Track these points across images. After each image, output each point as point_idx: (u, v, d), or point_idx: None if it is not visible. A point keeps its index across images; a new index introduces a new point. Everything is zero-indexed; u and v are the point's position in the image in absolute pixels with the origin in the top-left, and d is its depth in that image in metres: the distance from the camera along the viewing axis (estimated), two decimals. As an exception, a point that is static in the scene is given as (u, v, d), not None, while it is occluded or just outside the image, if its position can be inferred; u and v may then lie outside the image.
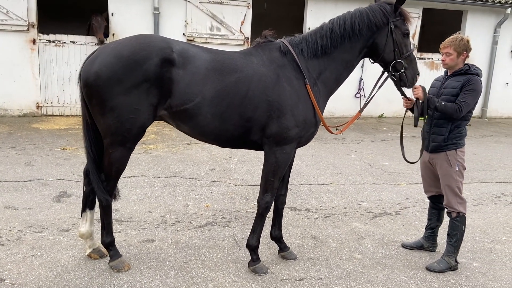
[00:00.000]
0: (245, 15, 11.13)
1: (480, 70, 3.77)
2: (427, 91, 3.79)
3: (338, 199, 5.52)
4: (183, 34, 10.76)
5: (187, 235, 4.19)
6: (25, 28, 9.67)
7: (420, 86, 3.67)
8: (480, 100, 14.28)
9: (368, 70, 12.37)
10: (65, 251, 3.73)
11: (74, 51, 10.22)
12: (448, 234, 3.85)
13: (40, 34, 9.90)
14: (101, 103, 3.07)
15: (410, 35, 3.68)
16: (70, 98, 10.41)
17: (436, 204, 4.07)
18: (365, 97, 12.40)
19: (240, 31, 11.09)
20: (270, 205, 3.52)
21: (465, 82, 3.64)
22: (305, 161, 7.31)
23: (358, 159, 7.67)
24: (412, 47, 3.59)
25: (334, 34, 3.36)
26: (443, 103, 3.63)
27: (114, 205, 4.72)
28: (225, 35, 11.03)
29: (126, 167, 6.17)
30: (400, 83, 3.60)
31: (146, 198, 5.14)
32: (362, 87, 12.46)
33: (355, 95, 12.54)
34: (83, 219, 3.57)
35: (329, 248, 4.09)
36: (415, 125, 3.75)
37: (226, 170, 6.51)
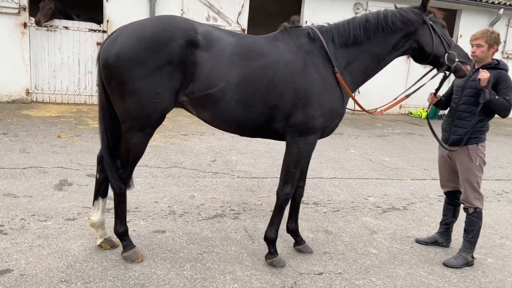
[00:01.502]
0: (242, 6, 10.97)
1: (507, 65, 3.72)
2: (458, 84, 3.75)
3: (345, 193, 5.46)
4: (180, 23, 10.53)
5: (197, 226, 4.07)
6: (16, 11, 9.32)
7: (486, 71, 3.56)
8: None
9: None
10: (74, 240, 3.57)
11: (67, 37, 9.91)
12: (464, 230, 3.81)
13: (32, 18, 9.55)
14: (121, 86, 2.91)
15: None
16: (62, 85, 10.10)
17: (452, 200, 4.03)
18: (359, 92, 12.39)
19: (237, 22, 10.93)
20: (290, 197, 3.42)
21: (498, 79, 3.56)
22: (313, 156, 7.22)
23: (358, 154, 7.64)
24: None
25: (369, 24, 3.26)
26: (496, 96, 3.54)
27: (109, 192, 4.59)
28: (222, 26, 10.83)
29: None
30: (457, 74, 3.50)
31: (151, 188, 4.98)
32: (357, 83, 12.42)
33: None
34: (94, 208, 3.41)
35: (343, 242, 4.02)
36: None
37: (228, 162, 6.38)
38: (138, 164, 5.72)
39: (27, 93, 9.82)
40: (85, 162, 5.76)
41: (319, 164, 6.74)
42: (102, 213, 3.42)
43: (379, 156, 7.65)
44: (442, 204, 5.36)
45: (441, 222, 4.16)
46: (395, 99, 3.74)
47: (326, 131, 3.36)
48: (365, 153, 7.80)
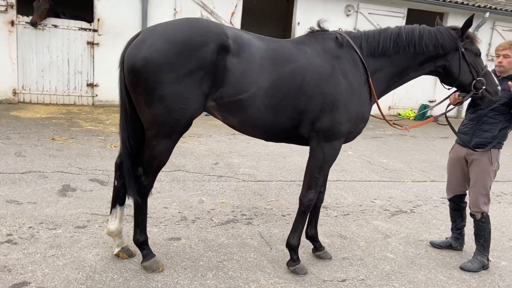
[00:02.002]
0: (235, 6, 10.88)
1: None
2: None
3: (351, 197, 5.45)
4: (172, 22, 10.38)
5: (212, 232, 3.98)
6: (3, 8, 9.01)
7: None
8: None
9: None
10: (88, 250, 3.44)
11: (56, 36, 9.64)
12: (475, 236, 3.84)
13: (19, 16, 9.26)
14: (149, 92, 2.80)
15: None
16: (50, 86, 9.82)
17: (458, 205, 4.05)
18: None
19: (231, 22, 10.83)
20: (313, 202, 3.38)
21: None
22: (305, 157, 7.18)
23: (356, 156, 7.66)
24: (485, 64, 3.53)
25: (400, 39, 3.22)
26: None
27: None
28: (215, 26, 10.72)
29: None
30: (483, 102, 3.53)
31: (157, 193, 4.86)
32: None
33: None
34: (112, 216, 3.29)
35: (359, 247, 4.00)
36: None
37: (230, 165, 6.30)
38: (140, 168, 5.64)
39: (14, 93, 9.51)
40: (85, 166, 5.59)
41: (321, 166, 6.71)
42: (120, 222, 3.31)
43: (377, 158, 7.69)
44: (446, 206, 5.43)
45: (452, 228, 4.18)
46: (427, 116, 3.70)
47: (350, 136, 3.33)
48: (363, 155, 7.83)
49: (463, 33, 3.33)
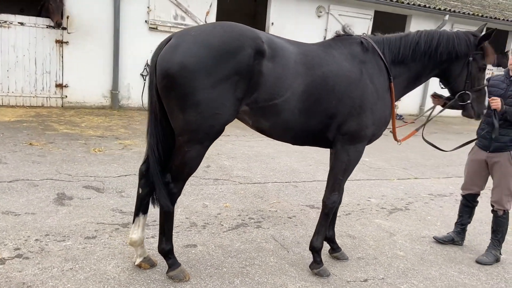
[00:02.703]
0: (210, 5, 10.76)
1: None
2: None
3: (347, 196, 5.55)
4: (146, 21, 10.12)
5: (225, 238, 3.93)
6: (-36, 4, 8.39)
7: (497, 98, 3.73)
8: (418, 99, 15.39)
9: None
10: (106, 261, 3.29)
11: (23, 34, 9.11)
12: (493, 231, 4.04)
13: (-18, 12, 8.66)
14: (184, 97, 2.72)
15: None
16: (16, 86, 9.28)
17: (471, 202, 4.25)
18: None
19: (205, 21, 10.69)
20: (336, 205, 3.42)
21: None
22: (293, 157, 7.28)
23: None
24: (485, 82, 3.56)
25: (418, 47, 3.29)
26: None
27: (130, 207, 4.33)
28: (190, 25, 10.56)
29: (115, 164, 5.70)
30: (463, 113, 3.58)
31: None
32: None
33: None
34: (135, 225, 3.17)
35: (370, 247, 4.10)
36: (494, 136, 3.78)
37: (222, 167, 6.24)
38: (132, 173, 5.48)
39: (-23, 95, 8.90)
40: (74, 172, 5.33)
41: (309, 166, 6.81)
42: (143, 231, 3.19)
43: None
44: (435, 202, 5.68)
45: (456, 223, 4.37)
46: (416, 129, 3.76)
47: (373, 139, 3.39)
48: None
49: (480, 44, 3.41)
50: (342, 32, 3.32)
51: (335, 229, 4.37)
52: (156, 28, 10.20)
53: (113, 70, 10.00)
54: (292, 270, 3.48)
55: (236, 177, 5.85)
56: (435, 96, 3.82)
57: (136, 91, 10.44)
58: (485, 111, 3.60)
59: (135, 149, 6.78)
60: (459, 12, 14.51)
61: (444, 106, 3.68)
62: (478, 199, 4.28)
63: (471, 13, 14.87)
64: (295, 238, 4.10)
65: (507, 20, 15.86)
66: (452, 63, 3.44)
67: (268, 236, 4.07)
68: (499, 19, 15.63)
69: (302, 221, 4.55)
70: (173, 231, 3.88)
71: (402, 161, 7.91)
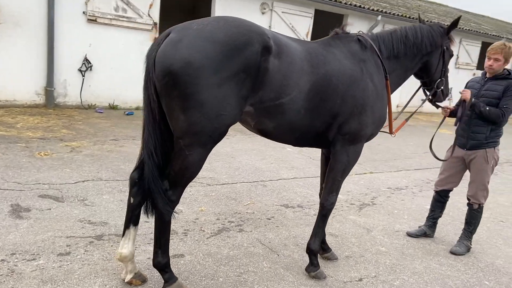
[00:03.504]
0: (153, -2, 10.26)
1: None
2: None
3: (315, 192, 5.58)
4: (83, 12, 9.40)
5: (211, 245, 3.73)
6: None
7: (468, 89, 3.91)
8: (396, 100, 16.02)
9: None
10: (90, 280, 2.95)
11: None
12: (467, 223, 4.25)
13: None
14: (187, 96, 2.47)
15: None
16: None
17: (444, 198, 4.43)
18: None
19: (149, 14, 10.20)
20: (334, 206, 3.37)
21: (506, 87, 3.91)
22: (252, 156, 7.18)
23: (295, 152, 7.85)
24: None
25: (408, 41, 3.36)
26: (487, 108, 3.88)
27: (98, 217, 3.98)
28: (132, 18, 10.01)
29: (68, 169, 5.23)
30: (434, 100, 3.80)
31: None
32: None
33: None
34: (125, 238, 2.87)
35: (354, 244, 4.12)
36: (455, 124, 3.98)
37: (184, 168, 5.95)
38: (89, 178, 5.05)
39: None
40: (23, 179, 4.77)
41: (271, 165, 6.75)
42: (133, 244, 2.90)
43: (315, 153, 7.97)
44: (396, 196, 5.90)
45: (428, 217, 4.55)
46: (406, 119, 3.87)
47: (370, 138, 3.38)
48: (300, 150, 8.05)
49: (449, 32, 3.61)
50: (340, 30, 3.26)
51: (311, 228, 4.37)
52: (95, 20, 9.51)
53: (48, 66, 9.16)
54: (288, 275, 3.38)
55: (203, 178, 5.61)
56: (442, 107, 4.03)
57: (74, 88, 9.68)
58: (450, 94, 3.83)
59: (85, 151, 6.25)
60: (389, 13, 15.31)
61: (433, 98, 3.81)
62: (450, 194, 4.48)
63: (399, 14, 15.76)
64: (281, 240, 4.01)
65: (430, 21, 16.98)
66: (433, 53, 3.59)
67: (253, 240, 3.93)
68: (423, 20, 16.68)
69: (282, 221, 4.47)
70: (150, 242, 3.62)
71: (354, 156, 8.14)
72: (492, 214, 5.55)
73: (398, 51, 3.36)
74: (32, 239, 3.43)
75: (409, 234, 4.51)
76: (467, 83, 4.37)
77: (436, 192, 4.47)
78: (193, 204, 4.65)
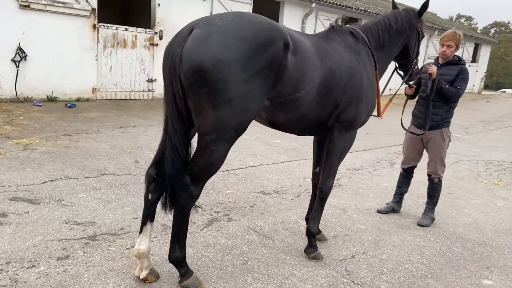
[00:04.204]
0: (90, -17, 9.70)
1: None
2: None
3: (285, 178, 5.79)
4: (14, -2, 8.64)
5: (208, 236, 3.78)
6: None
7: (435, 66, 4.27)
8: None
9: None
10: (102, 282, 2.88)
11: None
12: (429, 196, 4.70)
13: None
14: (218, 93, 2.49)
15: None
16: None
17: (410, 174, 4.86)
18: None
19: (87, 0, 9.63)
20: (331, 189, 3.57)
21: (459, 71, 4.37)
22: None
23: (253, 139, 8.01)
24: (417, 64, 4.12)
25: (391, 29, 3.60)
26: (447, 86, 4.31)
27: (83, 217, 3.86)
28: (69, 3, 9.41)
29: (29, 169, 4.95)
30: (412, 77, 4.14)
31: (108, 203, 4.26)
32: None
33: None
34: (143, 234, 2.84)
35: (336, 224, 4.39)
36: (424, 94, 4.34)
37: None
38: (57, 177, 4.83)
39: None
40: (-16, 182, 4.42)
41: (234, 153, 6.83)
42: (150, 240, 2.88)
43: (271, 139, 8.20)
44: (356, 175, 6.31)
45: (396, 193, 4.96)
46: (390, 100, 4.15)
47: (362, 125, 3.60)
48: (257, 138, 8.22)
49: (421, 15, 3.90)
50: (335, 24, 3.41)
51: (296, 212, 4.60)
52: (28, 6, 8.81)
53: (-24, 56, 8.36)
54: (289, 258, 3.55)
55: (173, 170, 5.56)
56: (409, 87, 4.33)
57: (8, 80, 8.95)
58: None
59: (39, 149, 5.88)
60: (323, 0, 15.85)
61: (409, 78, 4.13)
62: (414, 170, 4.92)
63: (332, 2, 16.38)
64: (270, 226, 4.16)
65: (358, 9, 17.94)
66: (411, 36, 3.87)
67: (245, 228, 4.03)
68: (351, 7, 17.57)
69: (265, 208, 4.62)
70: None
71: (305, 140, 8.45)
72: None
73: (384, 40, 3.60)
74: (23, 245, 3.24)
75: (380, 211, 4.88)
76: (422, 67, 4.75)
77: (404, 169, 4.89)
78: (174, 197, 4.62)
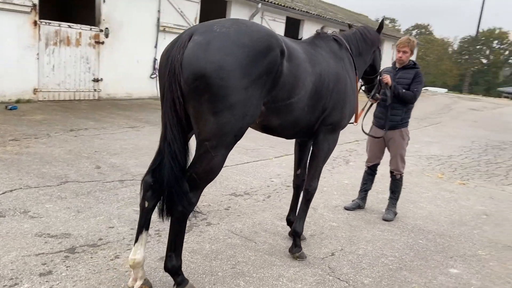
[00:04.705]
0: (29, -24, 9.09)
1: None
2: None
3: (253, 179, 5.86)
4: None
5: (190, 242, 3.74)
6: None
7: (388, 75, 4.54)
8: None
9: (161, 50, 12.39)
10: (95, 297, 2.77)
11: None
12: (392, 192, 4.99)
13: None
14: (219, 99, 2.48)
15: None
16: None
17: (374, 171, 5.13)
18: (158, 78, 12.39)
19: (24, -5, 9.02)
20: (316, 190, 3.68)
21: (415, 75, 4.70)
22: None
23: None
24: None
25: (366, 40, 3.81)
26: (403, 90, 4.62)
27: (55, 229, 3.69)
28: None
29: None
30: (377, 91, 4.39)
31: (78, 213, 4.07)
32: (156, 67, 12.39)
33: (151, 76, 12.36)
34: (138, 244, 2.78)
35: (310, 223, 4.52)
36: (387, 104, 4.61)
37: (115, 167, 5.65)
38: (16, 187, 4.55)
39: None
40: None
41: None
42: (144, 249, 2.82)
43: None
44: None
45: (361, 190, 5.22)
46: (363, 109, 4.34)
47: (344, 127, 3.73)
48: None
49: (380, 31, 4.16)
50: (320, 31, 3.52)
51: (270, 213, 4.69)
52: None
53: None
54: (274, 259, 3.62)
55: (139, 174, 5.41)
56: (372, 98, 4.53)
57: None
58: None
59: (-12, 156, 5.45)
60: (268, 1, 16.08)
61: (376, 93, 4.37)
62: (378, 167, 5.21)
63: (277, 2, 16.67)
64: (249, 228, 4.21)
65: (301, 11, 18.43)
66: (376, 51, 4.13)
67: (226, 232, 4.05)
68: (294, 9, 18.02)
69: (240, 210, 4.65)
70: (131, 246, 3.52)
71: (264, 140, 8.57)
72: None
73: (362, 49, 3.80)
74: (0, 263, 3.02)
75: (347, 208, 5.11)
76: (381, 71, 5.05)
77: (368, 167, 5.16)
78: (147, 203, 4.51)
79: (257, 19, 16.27)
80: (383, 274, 3.60)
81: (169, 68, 2.54)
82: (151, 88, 12.33)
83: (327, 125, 3.46)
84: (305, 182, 3.68)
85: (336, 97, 3.38)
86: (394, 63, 4.96)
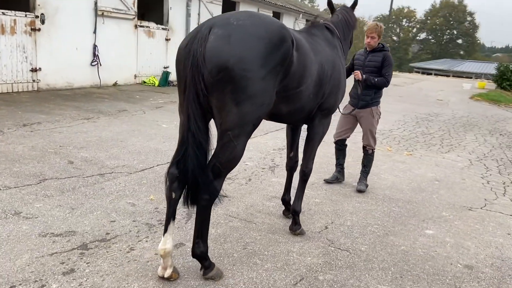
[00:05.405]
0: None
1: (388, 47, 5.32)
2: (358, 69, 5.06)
3: (227, 164, 6.00)
4: None
5: (189, 232, 3.85)
6: None
7: (358, 71, 4.91)
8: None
9: (101, 36, 11.91)
10: (128, 287, 2.83)
11: None
12: (364, 165, 5.43)
13: None
14: (241, 90, 2.61)
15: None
16: None
17: (342, 146, 5.56)
18: (100, 64, 11.90)
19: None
20: (312, 170, 3.94)
21: (384, 58, 5.09)
22: (139, 137, 7.00)
23: (172, 128, 7.93)
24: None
25: (349, 25, 4.06)
26: (376, 79, 5.01)
27: (57, 228, 3.64)
28: None
29: None
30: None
31: (73, 210, 3.99)
32: (97, 54, 11.87)
33: (91, 63, 11.81)
34: (168, 233, 2.87)
35: (296, 201, 4.82)
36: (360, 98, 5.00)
37: (89, 161, 5.50)
38: (2, 187, 4.32)
39: None
40: None
41: (164, 144, 6.77)
42: (173, 238, 2.92)
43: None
44: (285, 154, 6.83)
45: (337, 164, 5.62)
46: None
47: (335, 110, 3.99)
48: (176, 126, 8.15)
49: (353, 10, 4.43)
50: (314, 20, 3.72)
51: (258, 194, 4.89)
52: None
53: None
54: (278, 237, 3.86)
55: (116, 167, 5.35)
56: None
57: None
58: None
59: None
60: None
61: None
62: (347, 142, 5.63)
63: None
64: (244, 211, 4.39)
65: (280, 5, 18.61)
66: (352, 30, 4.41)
67: (225, 216, 4.20)
68: (276, 4, 18.12)
69: (229, 195, 4.80)
70: (141, 238, 3.60)
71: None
72: (353, 158, 7.03)
73: (346, 35, 4.08)
74: (14, 267, 2.94)
75: (326, 181, 5.50)
76: (354, 55, 5.49)
77: (335, 143, 5.57)
78: (138, 196, 4.52)
79: (195, 2, 16.06)
80: (375, 241, 4.00)
81: (191, 61, 2.62)
82: (92, 76, 11.82)
83: (323, 110, 3.71)
84: (301, 164, 3.93)
85: (333, 84, 3.63)
86: (365, 48, 5.33)
